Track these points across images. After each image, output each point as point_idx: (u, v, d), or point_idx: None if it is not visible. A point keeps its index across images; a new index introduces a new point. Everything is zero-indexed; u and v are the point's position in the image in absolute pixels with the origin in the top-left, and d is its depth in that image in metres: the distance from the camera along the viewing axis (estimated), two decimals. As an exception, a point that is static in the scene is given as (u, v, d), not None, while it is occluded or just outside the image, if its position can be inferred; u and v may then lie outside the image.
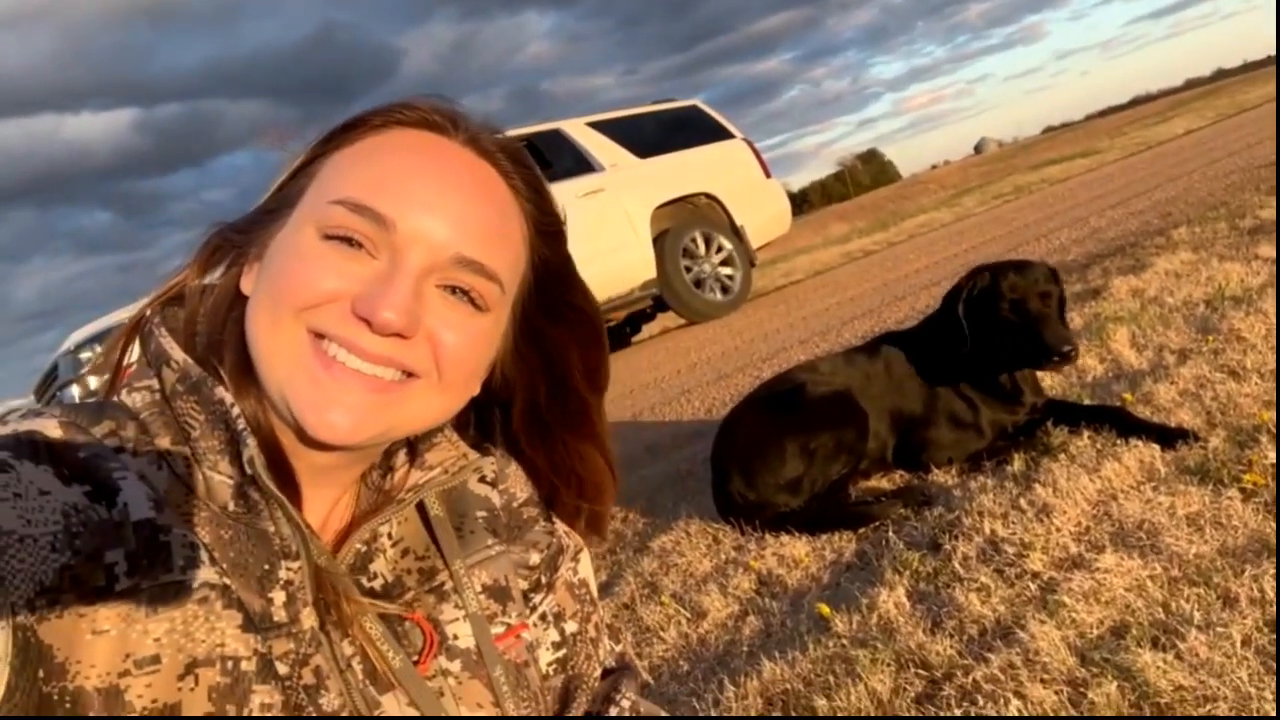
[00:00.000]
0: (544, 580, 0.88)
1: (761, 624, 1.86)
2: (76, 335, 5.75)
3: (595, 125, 8.10)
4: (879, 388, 2.42)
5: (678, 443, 3.77)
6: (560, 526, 0.91)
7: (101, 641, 0.57)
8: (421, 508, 0.79)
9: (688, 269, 7.98)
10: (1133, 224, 5.84)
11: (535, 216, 0.76)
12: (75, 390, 5.64)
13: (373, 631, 0.72)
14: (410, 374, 0.68)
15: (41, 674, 0.55)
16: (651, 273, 7.73)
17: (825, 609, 1.77)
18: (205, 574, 0.63)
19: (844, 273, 9.83)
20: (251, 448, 0.64)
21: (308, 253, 0.66)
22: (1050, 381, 2.75)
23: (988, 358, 2.32)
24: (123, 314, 5.64)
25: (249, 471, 0.64)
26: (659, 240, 7.84)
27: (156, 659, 0.59)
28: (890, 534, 2.02)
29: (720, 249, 8.25)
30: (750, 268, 8.57)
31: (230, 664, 0.62)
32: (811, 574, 2.02)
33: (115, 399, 0.70)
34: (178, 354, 0.68)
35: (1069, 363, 2.23)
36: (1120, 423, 2.15)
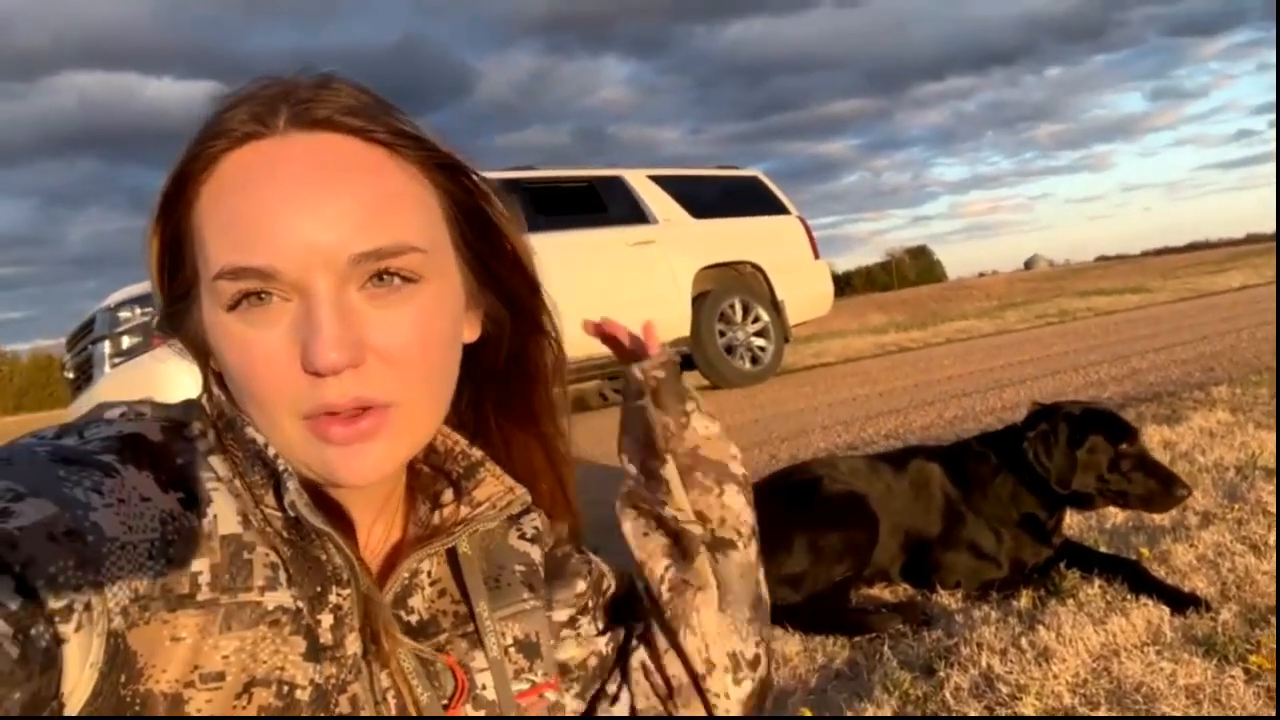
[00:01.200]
0: (590, 604, 0.91)
1: (741, 716, 1.84)
2: (118, 294, 5.84)
3: (656, 179, 8.22)
4: (900, 502, 2.40)
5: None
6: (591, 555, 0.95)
7: (179, 649, 0.58)
8: (452, 550, 0.79)
9: (721, 334, 8.01)
10: (1175, 371, 5.79)
11: (415, 156, 0.68)
12: (107, 346, 5.72)
13: (407, 668, 0.72)
14: (390, 403, 0.65)
15: (124, 678, 0.55)
16: (685, 331, 7.77)
17: (808, 714, 1.74)
18: (281, 596, 0.64)
19: (876, 365, 9.80)
20: (293, 491, 0.64)
21: (235, 338, 0.63)
22: (1068, 522, 2.72)
23: (1025, 491, 2.33)
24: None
25: (291, 514, 0.65)
26: (698, 300, 7.90)
27: (221, 676, 0.60)
28: (885, 649, 2.00)
29: (757, 319, 8.28)
30: (784, 343, 8.59)
31: (286, 689, 0.63)
32: (799, 675, 1.99)
33: (200, 403, 0.71)
34: (215, 388, 0.69)
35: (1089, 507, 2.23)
36: (1134, 578, 2.12)
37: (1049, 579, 2.23)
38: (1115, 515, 2.75)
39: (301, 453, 0.65)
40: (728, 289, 8.15)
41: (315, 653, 0.65)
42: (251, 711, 0.61)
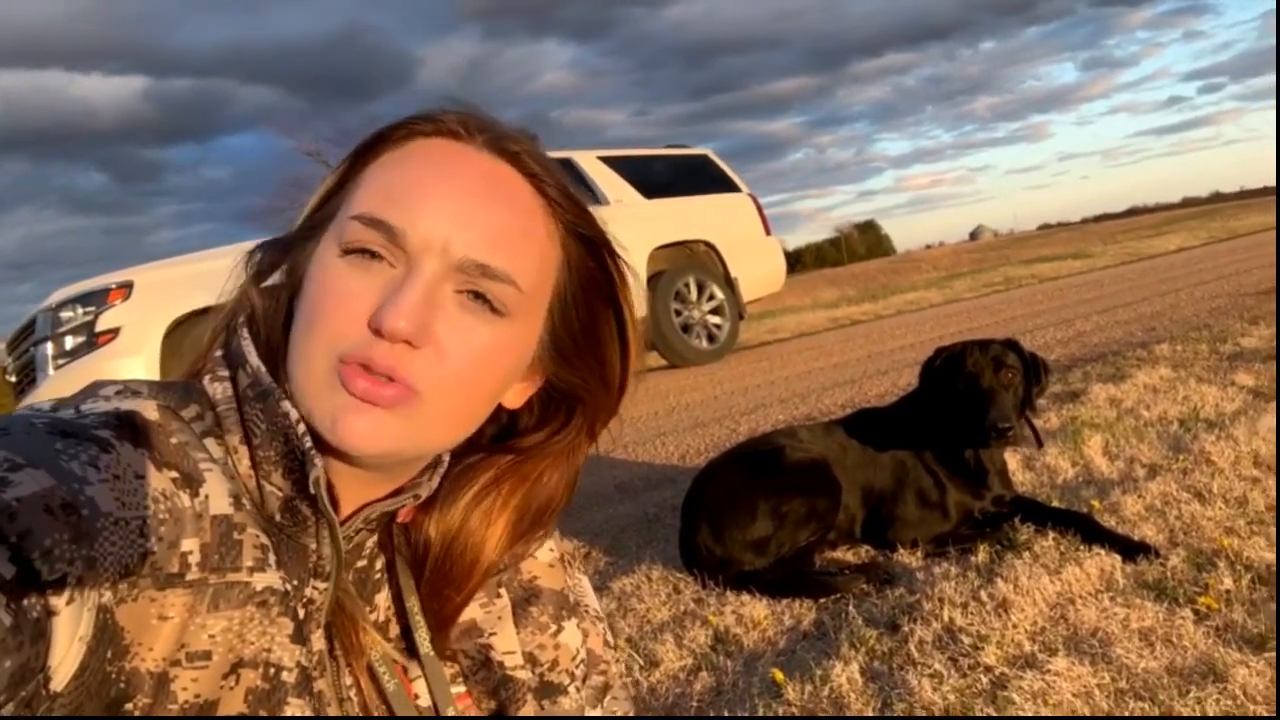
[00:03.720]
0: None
1: (713, 681, 1.87)
2: (59, 294, 5.69)
3: (606, 160, 8.20)
4: (853, 460, 2.46)
5: (649, 485, 3.78)
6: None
7: (165, 627, 0.58)
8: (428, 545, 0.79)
9: (677, 313, 8.04)
10: (1117, 332, 5.95)
11: (567, 218, 0.74)
12: (49, 347, 5.58)
13: (379, 668, 0.73)
14: (417, 390, 0.66)
15: (110, 654, 0.55)
16: (641, 311, 7.69)
17: (779, 674, 1.78)
18: (270, 578, 0.64)
19: (829, 338, 9.92)
20: (319, 468, 0.64)
21: (330, 275, 0.67)
22: (1021, 478, 2.80)
23: (948, 432, 2.38)
24: (110, 278, 5.61)
25: (312, 491, 0.64)
26: (653, 280, 7.91)
27: (208, 655, 0.60)
28: (850, 608, 2.04)
29: (712, 297, 8.32)
30: (739, 320, 8.65)
31: (273, 670, 0.63)
32: (768, 637, 2.03)
33: (199, 384, 0.71)
34: (254, 359, 0.69)
35: (1006, 441, 2.27)
36: (1085, 529, 2.19)
37: (1003, 534, 2.29)
38: (1067, 470, 2.84)
39: (315, 394, 0.65)
40: (682, 268, 8.17)
41: (301, 635, 0.66)
42: (239, 694, 0.61)
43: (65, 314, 5.56)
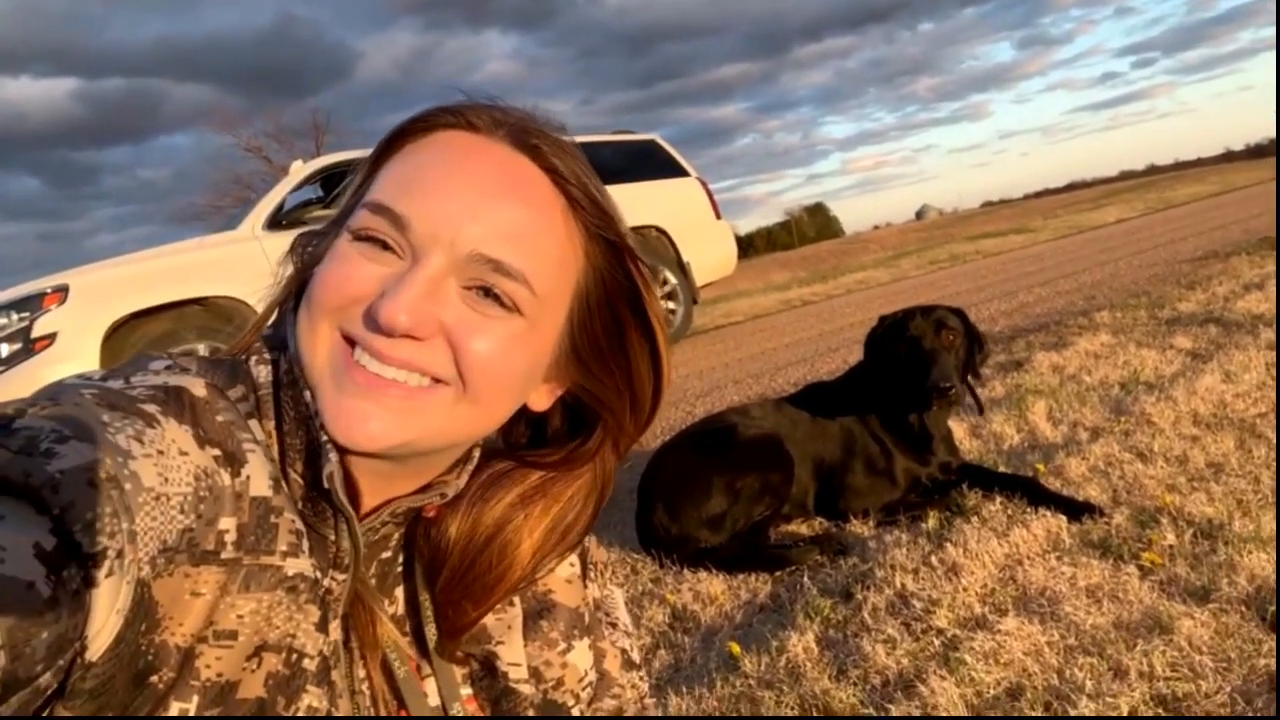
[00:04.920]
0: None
1: (672, 658, 1.87)
2: (-9, 298, 5.51)
3: (553, 146, 8.14)
4: (804, 433, 2.48)
5: (604, 470, 3.77)
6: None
7: (197, 604, 0.58)
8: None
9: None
10: (1059, 303, 6.08)
11: (589, 220, 0.71)
12: (-16, 353, 5.40)
13: (393, 659, 0.72)
14: (436, 380, 0.65)
15: (144, 627, 0.55)
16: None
17: (735, 648, 1.79)
18: (302, 564, 0.63)
19: (782, 319, 9.99)
20: (334, 463, 0.63)
21: (339, 255, 0.66)
22: (968, 446, 2.84)
23: (892, 397, 2.41)
24: (45, 282, 5.43)
25: (326, 486, 0.63)
26: (604, 267, 7.88)
27: (234, 635, 0.59)
28: (805, 579, 2.06)
29: (665, 283, 8.32)
30: (692, 305, 8.66)
31: (295, 656, 0.62)
32: (725, 612, 2.04)
33: (246, 365, 0.70)
34: (294, 345, 0.67)
35: (948, 400, 2.30)
36: (1031, 492, 2.23)
37: (952, 500, 2.32)
38: (1012, 437, 2.89)
39: (318, 371, 0.64)
40: (633, 253, 8.15)
41: (326, 624, 0.65)
42: (259, 677, 0.60)
43: (-2, 320, 5.38)
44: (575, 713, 0.84)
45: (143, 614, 0.54)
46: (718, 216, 9.06)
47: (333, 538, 0.67)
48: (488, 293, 0.65)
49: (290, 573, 0.62)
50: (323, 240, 0.72)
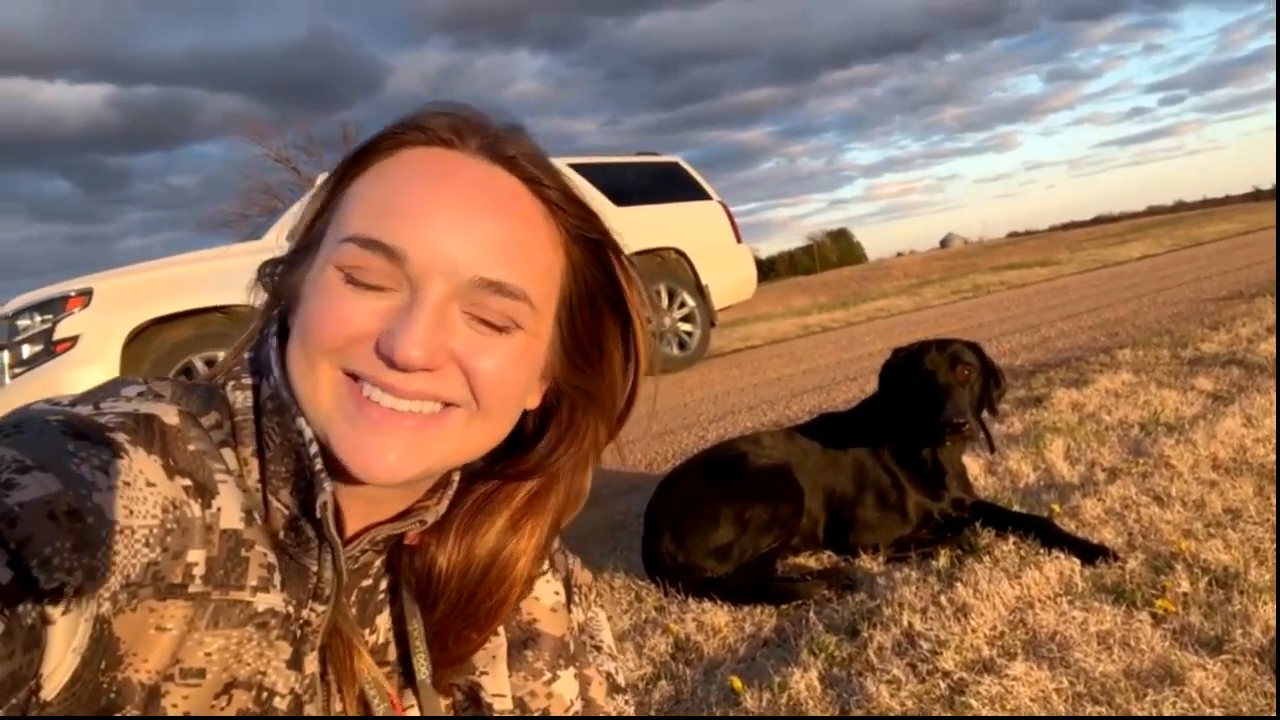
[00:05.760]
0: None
1: (672, 690, 1.85)
2: (15, 302, 5.58)
3: (576, 166, 8.18)
4: (815, 464, 2.45)
5: (615, 492, 3.76)
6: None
7: (163, 639, 0.57)
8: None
9: (648, 320, 8.02)
10: (1081, 338, 6.02)
11: (569, 223, 0.71)
12: (6, 356, 5.46)
13: (370, 693, 0.71)
14: (448, 404, 0.65)
15: (103, 665, 0.54)
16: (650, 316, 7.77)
17: (737, 682, 1.76)
18: (273, 599, 0.62)
19: (800, 345, 9.95)
20: (328, 493, 0.63)
21: (330, 291, 0.64)
22: (983, 483, 2.81)
23: (905, 430, 2.38)
24: (69, 285, 5.50)
25: (318, 515, 0.63)
26: (624, 288, 7.89)
27: (202, 673, 0.58)
28: (811, 614, 2.03)
29: (683, 305, 8.32)
30: (710, 327, 8.65)
31: (265, 694, 0.61)
32: (729, 644, 2.01)
33: (222, 390, 0.69)
34: (278, 371, 0.67)
35: (961, 436, 2.27)
36: (1045, 533, 2.20)
37: (964, 538, 2.29)
38: (1028, 475, 2.85)
39: (326, 411, 0.64)
40: (652, 275, 8.16)
41: (299, 660, 0.64)
42: (230, 711, 0.59)
43: (22, 322, 5.45)
44: None
45: (101, 652, 0.53)
46: (738, 240, 9.06)
47: (314, 568, 0.66)
48: (486, 320, 0.66)
49: (260, 608, 0.61)
50: (294, 269, 0.70)
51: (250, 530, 0.62)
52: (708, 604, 2.21)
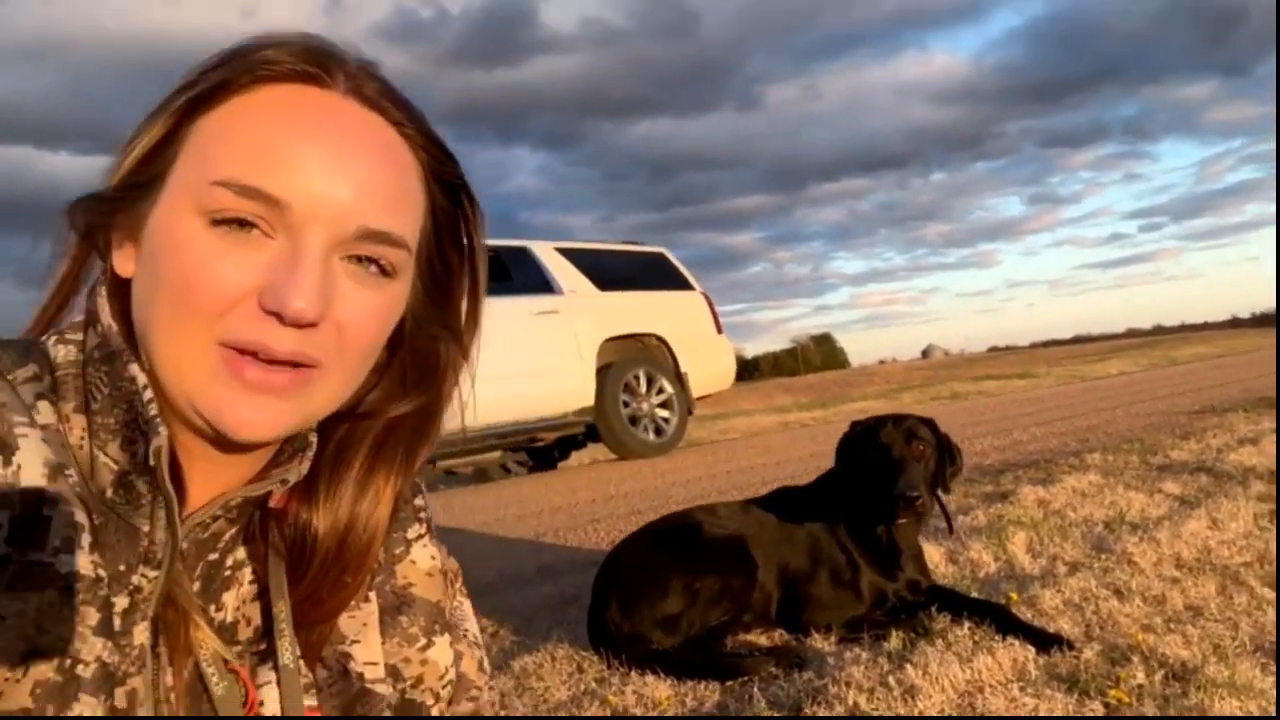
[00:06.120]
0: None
1: (603, 761, 1.76)
2: None
3: (562, 251, 8.29)
4: (770, 537, 2.40)
5: (573, 568, 3.66)
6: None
7: None
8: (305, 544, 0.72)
9: (625, 404, 8.01)
10: (1052, 442, 6.02)
11: (430, 164, 0.71)
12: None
13: (207, 668, 0.66)
14: (319, 365, 0.63)
15: None
16: (589, 401, 7.76)
17: (670, 755, 1.67)
18: (80, 561, 0.57)
19: (777, 438, 9.93)
20: (162, 437, 0.59)
21: (198, 245, 0.60)
22: (943, 571, 2.75)
23: (859, 505, 2.33)
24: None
25: (151, 463, 0.59)
26: (603, 371, 7.90)
27: None
28: (756, 690, 1.95)
29: (661, 391, 8.32)
30: (687, 415, 8.62)
31: (69, 663, 0.56)
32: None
33: (44, 343, 0.65)
34: (106, 318, 0.64)
35: (914, 511, 2.22)
36: (1001, 620, 2.14)
37: (918, 621, 2.23)
38: (989, 564, 2.79)
39: (196, 382, 0.60)
40: (632, 361, 8.18)
41: (108, 627, 0.58)
42: (25, 687, 0.54)
43: None
44: (435, 710, 0.78)
45: None
46: (719, 331, 9.13)
47: (146, 528, 0.61)
48: (364, 260, 0.64)
49: (63, 570, 0.56)
50: (126, 208, 0.65)
51: (55, 486, 0.57)
52: (650, 677, 2.11)
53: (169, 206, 0.62)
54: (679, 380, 8.42)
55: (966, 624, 2.17)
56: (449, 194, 0.73)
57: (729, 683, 2.04)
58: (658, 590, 2.22)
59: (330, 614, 0.73)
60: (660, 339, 8.51)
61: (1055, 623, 2.17)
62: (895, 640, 2.15)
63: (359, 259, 0.64)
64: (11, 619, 0.53)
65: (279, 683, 0.70)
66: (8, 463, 0.55)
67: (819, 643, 2.26)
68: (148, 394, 0.60)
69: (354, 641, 0.75)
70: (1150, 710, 1.67)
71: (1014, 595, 2.38)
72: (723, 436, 11.27)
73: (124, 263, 0.66)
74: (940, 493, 2.40)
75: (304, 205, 0.60)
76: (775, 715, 1.80)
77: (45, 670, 0.54)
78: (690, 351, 8.61)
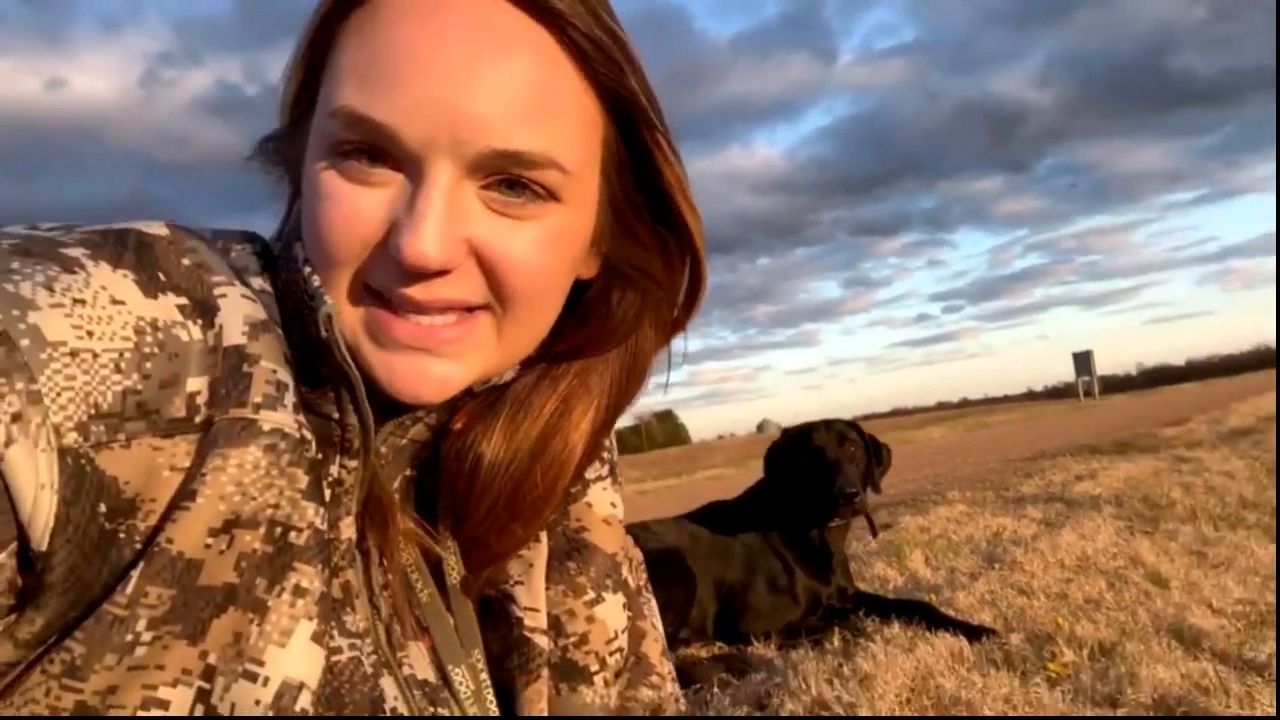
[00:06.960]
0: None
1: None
2: None
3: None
4: (705, 550, 2.41)
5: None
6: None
7: (176, 479, 0.47)
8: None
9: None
10: (909, 486, 6.36)
11: (601, 71, 0.55)
12: None
13: (408, 562, 0.61)
14: (472, 308, 0.55)
15: (104, 508, 0.45)
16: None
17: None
18: (282, 418, 0.51)
19: (642, 501, 9.95)
20: (329, 304, 0.52)
21: (321, 184, 0.53)
22: (860, 584, 2.83)
23: (795, 509, 2.39)
24: None
25: (323, 334, 0.52)
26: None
27: (192, 496, 0.48)
28: (716, 691, 1.93)
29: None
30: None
31: (279, 530, 0.50)
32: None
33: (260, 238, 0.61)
34: (285, 227, 0.60)
35: (853, 509, 2.31)
36: (929, 616, 2.22)
37: (851, 624, 2.28)
38: (895, 579, 2.90)
39: (352, 336, 0.54)
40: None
41: (318, 491, 0.52)
42: (229, 559, 0.48)
43: None
44: (598, 680, 0.70)
45: (92, 491, 0.44)
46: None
47: (336, 416, 0.55)
48: (513, 184, 0.53)
49: (267, 427, 0.50)
50: (292, 143, 0.60)
51: (257, 344, 0.52)
52: (598, 693, 2.05)
53: (313, 141, 0.55)
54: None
55: (896, 624, 2.24)
56: (627, 113, 0.58)
57: (684, 691, 2.01)
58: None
59: (494, 559, 0.67)
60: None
61: (976, 617, 2.28)
62: (836, 639, 2.19)
63: (506, 184, 0.53)
64: (209, 477, 0.47)
65: (453, 611, 0.64)
66: (210, 325, 0.50)
67: (761, 650, 2.27)
68: (308, 269, 0.54)
69: (517, 582, 0.68)
70: (1087, 679, 1.77)
71: (933, 597, 2.47)
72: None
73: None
74: (870, 492, 2.49)
75: (418, 127, 0.51)
76: (744, 714, 1.78)
77: (252, 540, 0.48)
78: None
